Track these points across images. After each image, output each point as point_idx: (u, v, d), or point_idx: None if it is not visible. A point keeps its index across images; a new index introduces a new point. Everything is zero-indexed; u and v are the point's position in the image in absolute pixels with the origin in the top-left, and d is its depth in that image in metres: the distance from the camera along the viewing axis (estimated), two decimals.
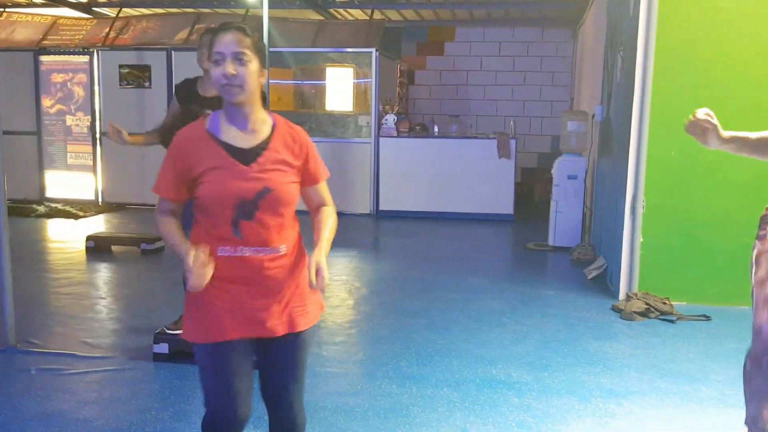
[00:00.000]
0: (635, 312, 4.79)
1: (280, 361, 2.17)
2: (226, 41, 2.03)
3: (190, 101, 3.87)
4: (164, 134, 3.93)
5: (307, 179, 2.19)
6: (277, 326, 2.10)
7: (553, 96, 11.47)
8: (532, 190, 11.22)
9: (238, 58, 2.02)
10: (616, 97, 5.96)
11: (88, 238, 6.89)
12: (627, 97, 5.34)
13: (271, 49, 8.21)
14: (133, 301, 5.16)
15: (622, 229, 5.24)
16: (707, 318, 4.80)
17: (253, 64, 2.05)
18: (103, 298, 5.25)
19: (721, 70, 4.97)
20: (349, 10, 10.50)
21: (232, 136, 2.10)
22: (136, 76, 10.00)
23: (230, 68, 2.01)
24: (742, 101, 4.94)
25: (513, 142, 9.23)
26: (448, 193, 9.37)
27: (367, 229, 8.68)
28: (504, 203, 9.30)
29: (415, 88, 11.90)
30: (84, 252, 6.77)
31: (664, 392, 3.51)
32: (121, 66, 10.02)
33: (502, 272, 6.42)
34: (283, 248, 2.11)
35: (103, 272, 6.14)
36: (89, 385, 3.56)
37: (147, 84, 9.99)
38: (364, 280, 5.92)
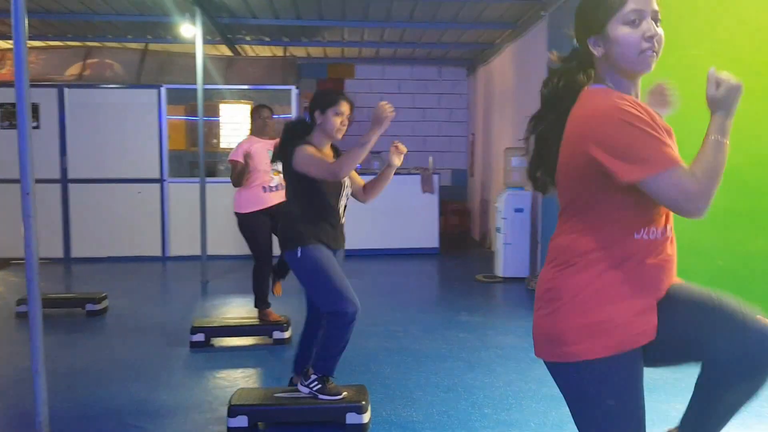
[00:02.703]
0: None
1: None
2: None
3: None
4: None
5: None
6: None
7: (450, 131, 11.85)
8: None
9: (657, 18, 1.74)
10: None
11: (20, 302, 6.01)
12: None
13: (205, 86, 7.81)
14: (129, 371, 4.56)
15: None
16: None
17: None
18: (95, 372, 4.59)
19: (690, 112, 5.39)
20: (253, 46, 10.20)
21: None
22: None
23: (654, 28, 1.71)
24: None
25: (435, 177, 9.39)
26: (373, 229, 9.32)
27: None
28: (429, 237, 9.43)
29: None
30: (14, 318, 5.92)
31: None
32: (1, 105, 8.97)
33: (481, 307, 6.45)
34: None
35: (62, 340, 5.37)
36: None
37: (34, 124, 9.01)
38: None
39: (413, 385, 4.18)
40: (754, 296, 6.03)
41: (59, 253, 9.10)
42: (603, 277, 1.75)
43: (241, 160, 5.32)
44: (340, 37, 9.71)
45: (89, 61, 9.47)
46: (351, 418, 3.47)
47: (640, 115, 1.67)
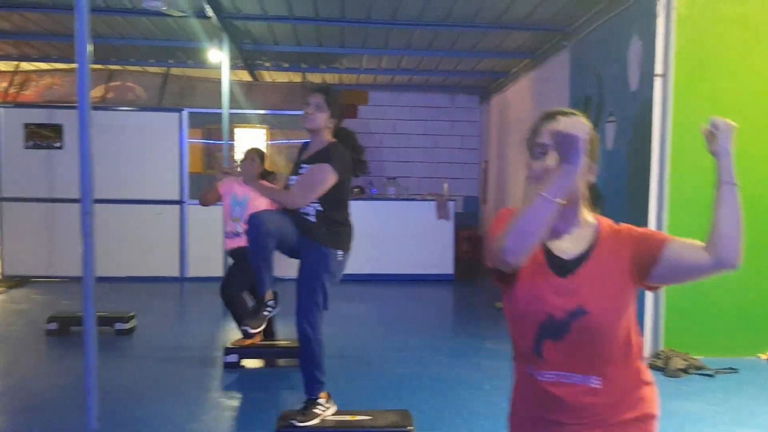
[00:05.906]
0: (679, 369, 5.08)
1: None
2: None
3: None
4: None
5: (649, 259, 1.72)
6: None
7: (462, 158, 11.97)
8: None
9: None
10: (609, 163, 6.34)
11: (51, 319, 6.06)
12: (635, 165, 5.74)
13: (237, 111, 7.97)
14: (165, 391, 4.60)
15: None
16: (735, 370, 5.19)
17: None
18: (132, 392, 4.63)
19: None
20: (271, 72, 10.35)
21: (552, 241, 1.79)
22: (45, 137, 9.09)
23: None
24: (746, 173, 5.50)
25: (451, 204, 9.49)
26: (387, 255, 9.39)
27: None
28: (444, 263, 9.49)
29: None
30: (44, 335, 5.95)
31: None
32: (27, 125, 9.07)
33: (507, 335, 6.50)
34: (595, 381, 1.74)
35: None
36: None
37: (58, 145, 9.11)
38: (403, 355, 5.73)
39: (452, 412, 4.22)
40: None
41: (79, 272, 9.13)
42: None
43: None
44: (359, 64, 9.86)
45: (111, 83, 9.60)
46: None
47: None
